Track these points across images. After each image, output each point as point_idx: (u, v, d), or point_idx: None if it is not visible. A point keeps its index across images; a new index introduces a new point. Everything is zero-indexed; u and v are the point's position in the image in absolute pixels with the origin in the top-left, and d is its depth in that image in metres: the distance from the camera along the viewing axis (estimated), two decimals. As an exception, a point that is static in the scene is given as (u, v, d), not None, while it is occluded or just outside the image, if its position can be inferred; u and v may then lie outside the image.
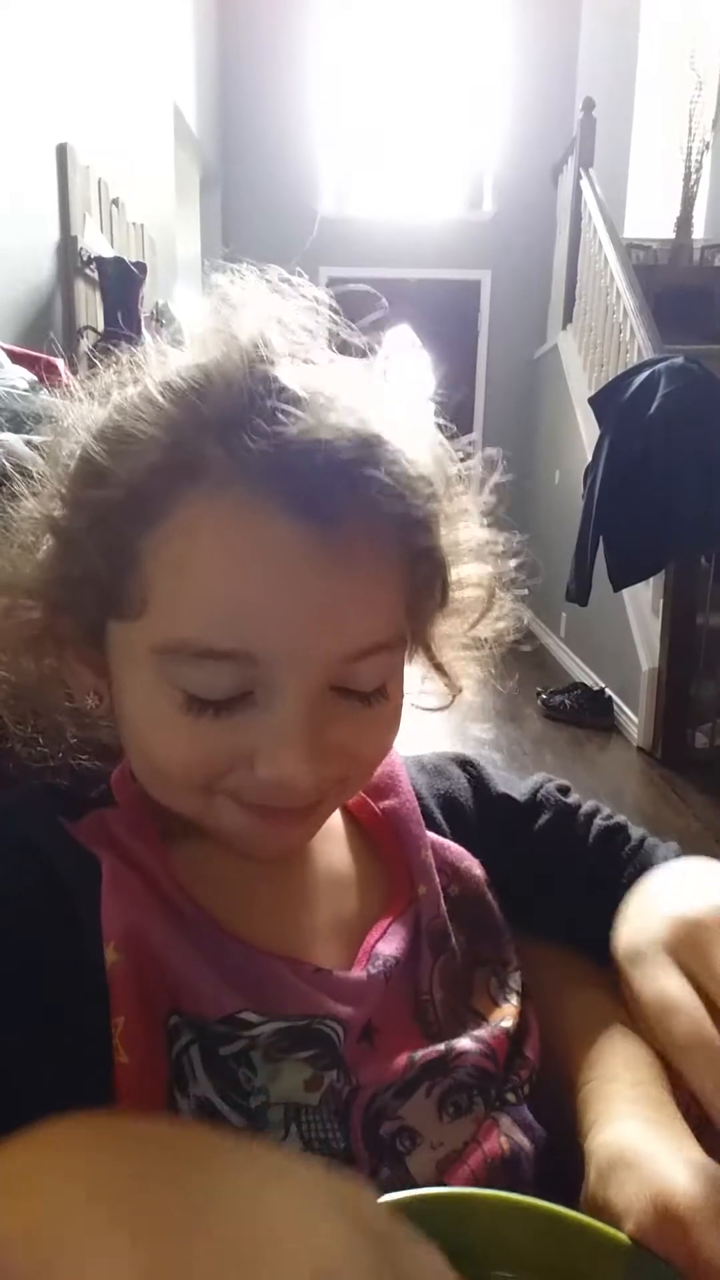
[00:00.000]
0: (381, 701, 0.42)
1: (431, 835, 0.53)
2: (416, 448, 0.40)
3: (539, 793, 0.60)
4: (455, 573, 0.45)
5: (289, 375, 0.37)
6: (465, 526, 0.46)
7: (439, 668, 0.49)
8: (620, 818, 0.60)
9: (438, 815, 0.56)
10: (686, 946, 0.42)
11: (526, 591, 0.52)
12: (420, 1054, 0.44)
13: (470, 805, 0.58)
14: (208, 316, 0.41)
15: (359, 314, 0.43)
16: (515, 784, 0.61)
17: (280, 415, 0.35)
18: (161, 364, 0.40)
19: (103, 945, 0.39)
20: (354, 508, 0.36)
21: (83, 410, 0.42)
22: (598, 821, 0.59)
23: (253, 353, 0.38)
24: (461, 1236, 0.36)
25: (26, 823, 0.43)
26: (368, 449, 0.36)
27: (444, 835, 0.55)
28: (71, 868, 0.41)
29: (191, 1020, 0.40)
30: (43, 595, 0.43)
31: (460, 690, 0.51)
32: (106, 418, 0.39)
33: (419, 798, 0.55)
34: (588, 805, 0.61)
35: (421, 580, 0.42)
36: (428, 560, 0.42)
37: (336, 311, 0.43)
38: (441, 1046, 0.45)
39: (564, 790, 0.61)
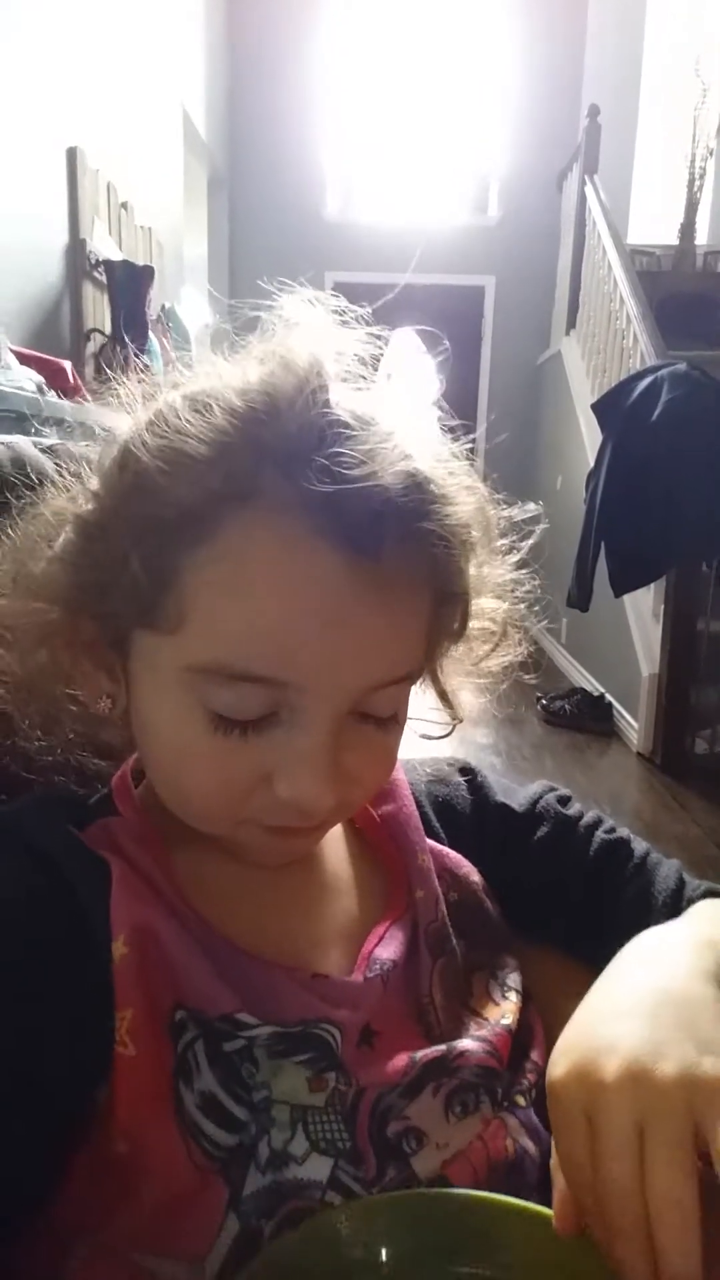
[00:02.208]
0: (393, 727, 0.44)
1: (430, 842, 0.54)
2: (461, 492, 0.41)
3: (538, 803, 0.59)
4: (474, 605, 0.46)
5: (347, 409, 0.38)
6: (493, 568, 0.48)
7: (444, 695, 0.50)
8: (623, 831, 0.59)
9: (435, 822, 0.56)
10: (594, 1106, 0.36)
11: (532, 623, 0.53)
12: (421, 1054, 0.45)
13: (468, 813, 0.58)
14: (265, 334, 0.41)
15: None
16: (515, 793, 0.60)
17: (339, 451, 0.36)
18: (216, 378, 0.40)
19: (110, 941, 0.40)
20: (400, 548, 0.37)
21: (125, 418, 0.42)
22: (599, 835, 0.58)
23: (313, 381, 0.38)
24: (445, 1234, 0.37)
25: (34, 828, 0.43)
26: (419, 493, 0.38)
27: (441, 840, 0.55)
28: (79, 870, 0.42)
29: (195, 1015, 0.40)
30: (63, 595, 0.43)
31: (461, 720, 0.52)
32: (157, 430, 0.39)
33: (418, 804, 0.55)
34: (589, 816, 0.60)
35: (445, 614, 0.44)
36: (455, 599, 0.44)
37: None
38: (443, 1047, 0.46)
39: (564, 800, 0.61)
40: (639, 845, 0.58)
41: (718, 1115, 0.33)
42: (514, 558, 0.49)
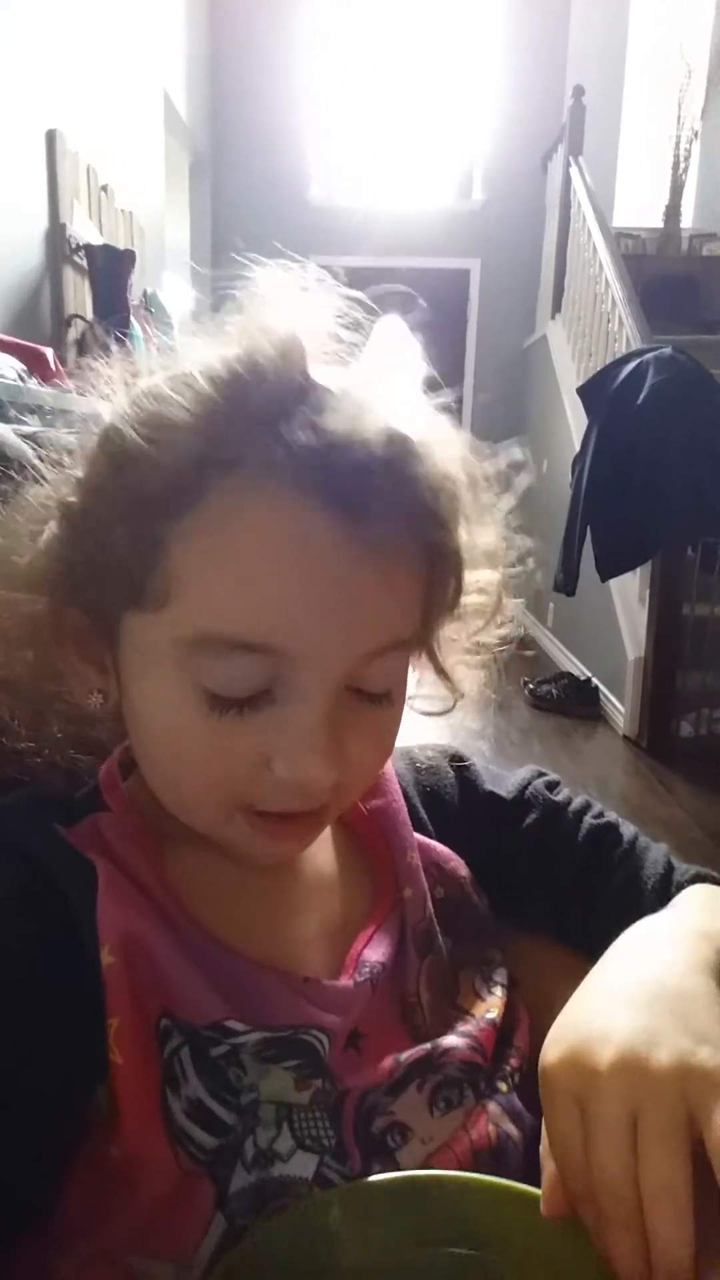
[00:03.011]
0: (388, 705, 0.43)
1: (418, 836, 0.53)
2: (444, 447, 0.41)
3: (527, 790, 0.59)
4: (468, 576, 0.46)
5: (325, 372, 0.38)
6: (483, 529, 0.46)
7: (442, 672, 0.49)
8: (611, 816, 0.59)
9: (422, 812, 0.56)
10: (588, 1093, 0.36)
11: (521, 598, 0.53)
12: (406, 1055, 0.45)
13: (456, 802, 0.58)
14: (241, 308, 0.40)
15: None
16: (503, 780, 0.60)
17: (319, 412, 0.36)
18: (195, 352, 0.39)
19: (99, 948, 0.39)
20: (387, 504, 0.37)
21: (107, 397, 0.41)
22: (588, 820, 0.58)
23: (290, 348, 0.38)
24: (434, 1217, 0.38)
25: (19, 829, 0.43)
26: (401, 447, 0.37)
27: (428, 832, 0.55)
28: (66, 873, 0.41)
29: (181, 1024, 0.40)
30: (50, 586, 0.42)
31: (462, 695, 0.51)
32: (140, 405, 0.38)
33: (405, 795, 0.55)
34: (577, 801, 0.60)
35: (438, 578, 0.43)
36: (446, 559, 0.43)
37: (373, 311, 0.43)
38: (427, 1046, 0.45)
39: (552, 786, 0.60)
40: (627, 830, 0.58)
41: (712, 1104, 0.33)
42: (503, 508, 0.48)
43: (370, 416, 0.37)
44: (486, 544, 0.47)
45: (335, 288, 0.42)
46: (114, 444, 0.39)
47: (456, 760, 0.61)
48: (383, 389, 0.39)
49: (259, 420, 0.36)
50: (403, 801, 0.54)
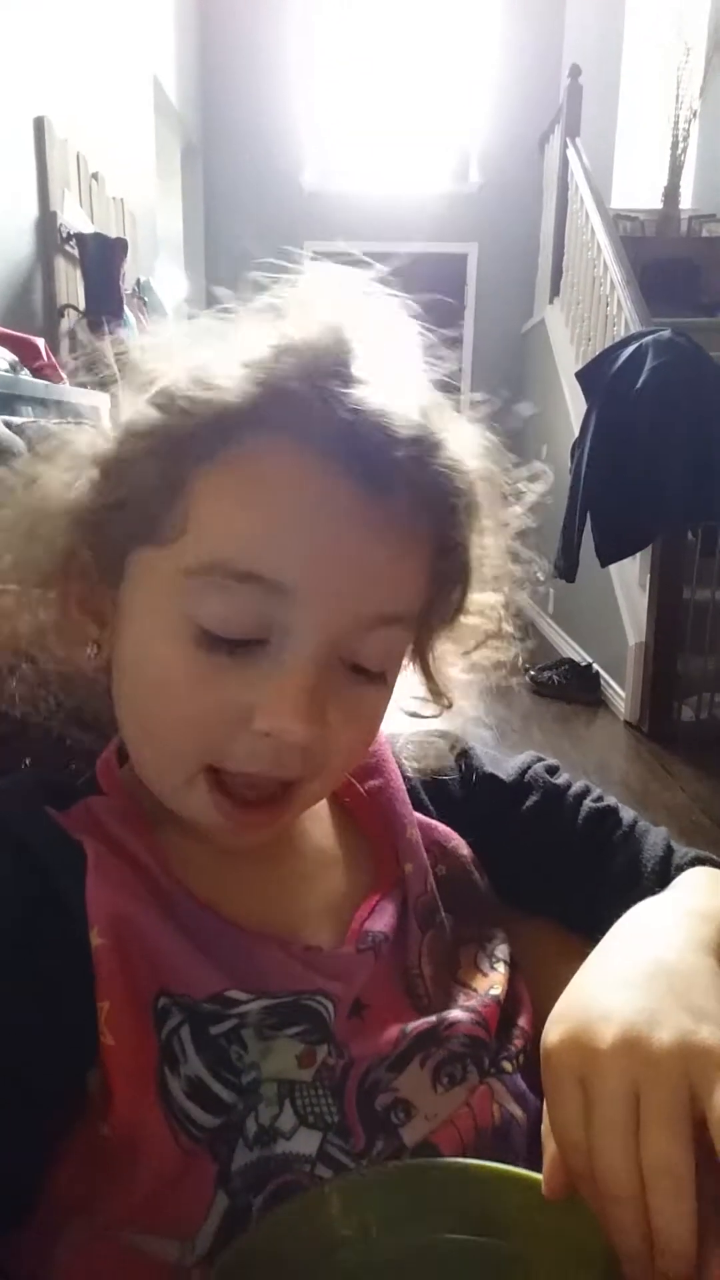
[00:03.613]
0: (380, 685, 0.43)
1: (418, 815, 0.54)
2: (467, 447, 0.43)
3: (527, 773, 0.60)
4: (472, 596, 0.47)
5: (363, 361, 0.39)
6: (496, 546, 0.48)
7: (430, 679, 0.50)
8: (611, 800, 0.60)
9: (423, 795, 0.57)
10: (589, 1072, 0.36)
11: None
12: (412, 1026, 0.45)
13: (456, 785, 0.59)
14: (296, 290, 0.43)
15: (439, 324, 0.46)
16: (503, 763, 0.61)
17: (354, 391, 0.38)
18: (249, 325, 0.42)
19: (89, 930, 0.39)
20: (407, 483, 0.39)
21: (166, 352, 0.43)
22: (587, 803, 0.59)
23: (337, 334, 0.39)
24: (437, 1203, 0.38)
25: (10, 812, 0.43)
26: (427, 433, 0.40)
27: (429, 814, 0.56)
28: (55, 856, 0.41)
29: (180, 1001, 0.40)
30: (70, 528, 0.43)
31: (449, 705, 0.52)
32: (193, 365, 0.40)
33: (405, 777, 0.55)
34: (577, 786, 0.61)
35: (445, 574, 0.44)
36: (454, 555, 0.44)
37: (419, 318, 0.45)
38: (433, 1018, 0.46)
39: (552, 770, 0.61)
40: (627, 813, 0.59)
41: (713, 1082, 0.33)
42: (516, 527, 0.50)
43: (401, 402, 0.39)
44: (495, 565, 0.48)
45: (385, 291, 0.44)
46: (165, 394, 0.40)
47: (455, 745, 0.61)
48: (415, 389, 0.42)
49: (299, 389, 0.38)
50: (401, 782, 0.55)
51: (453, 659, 0.51)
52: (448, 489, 0.41)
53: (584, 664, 3.52)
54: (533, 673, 3.49)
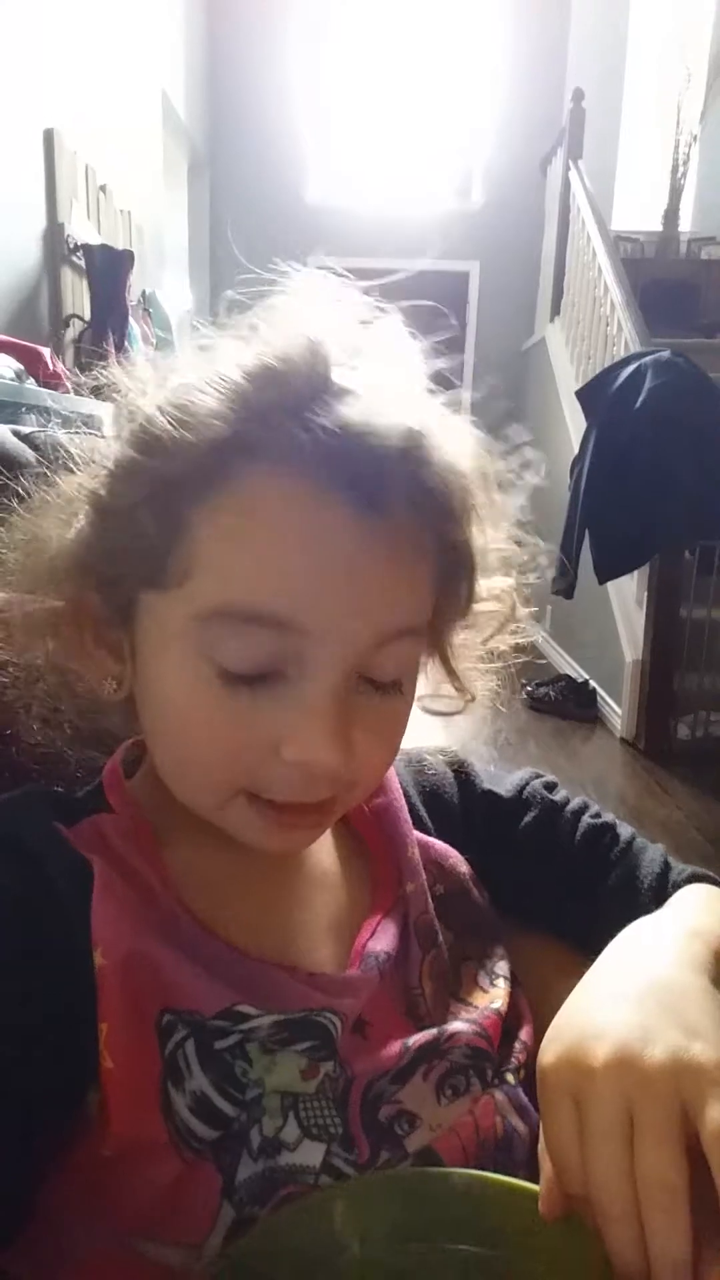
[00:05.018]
0: (397, 696, 0.43)
1: (417, 833, 0.54)
2: (458, 443, 0.42)
3: (525, 789, 0.60)
4: (481, 583, 0.47)
5: (346, 372, 0.39)
6: (496, 534, 0.47)
7: (453, 674, 0.50)
8: (609, 816, 0.60)
9: (422, 811, 0.57)
10: (583, 1090, 0.36)
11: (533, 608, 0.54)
12: (414, 1040, 0.45)
13: (455, 802, 0.59)
14: (273, 310, 0.42)
15: (426, 331, 0.45)
16: (501, 780, 0.61)
17: (340, 406, 0.37)
18: (227, 348, 0.41)
19: (92, 949, 0.39)
20: (402, 493, 0.38)
21: (142, 393, 0.42)
22: (585, 819, 0.59)
23: (317, 348, 0.39)
24: (437, 1213, 0.38)
25: (20, 826, 0.43)
26: (417, 441, 0.39)
27: (428, 831, 0.56)
28: (64, 872, 0.41)
29: (186, 1017, 0.40)
30: (74, 572, 0.43)
31: (473, 698, 0.52)
32: (174, 396, 0.39)
33: (405, 794, 0.55)
34: (575, 802, 0.61)
35: (450, 572, 0.44)
36: (458, 555, 0.44)
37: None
38: (434, 1031, 0.46)
39: (550, 786, 0.61)
40: (624, 830, 0.59)
41: (705, 1099, 0.33)
42: (514, 510, 0.49)
43: (388, 412, 0.38)
44: (500, 549, 0.48)
45: (362, 298, 0.43)
46: (147, 431, 0.39)
47: (454, 761, 0.61)
48: (399, 389, 0.41)
49: (284, 411, 0.37)
50: (403, 800, 0.55)
51: (472, 648, 0.50)
52: (444, 493, 0.40)
53: (581, 681, 3.52)
54: (529, 688, 3.50)
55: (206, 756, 0.41)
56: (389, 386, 0.40)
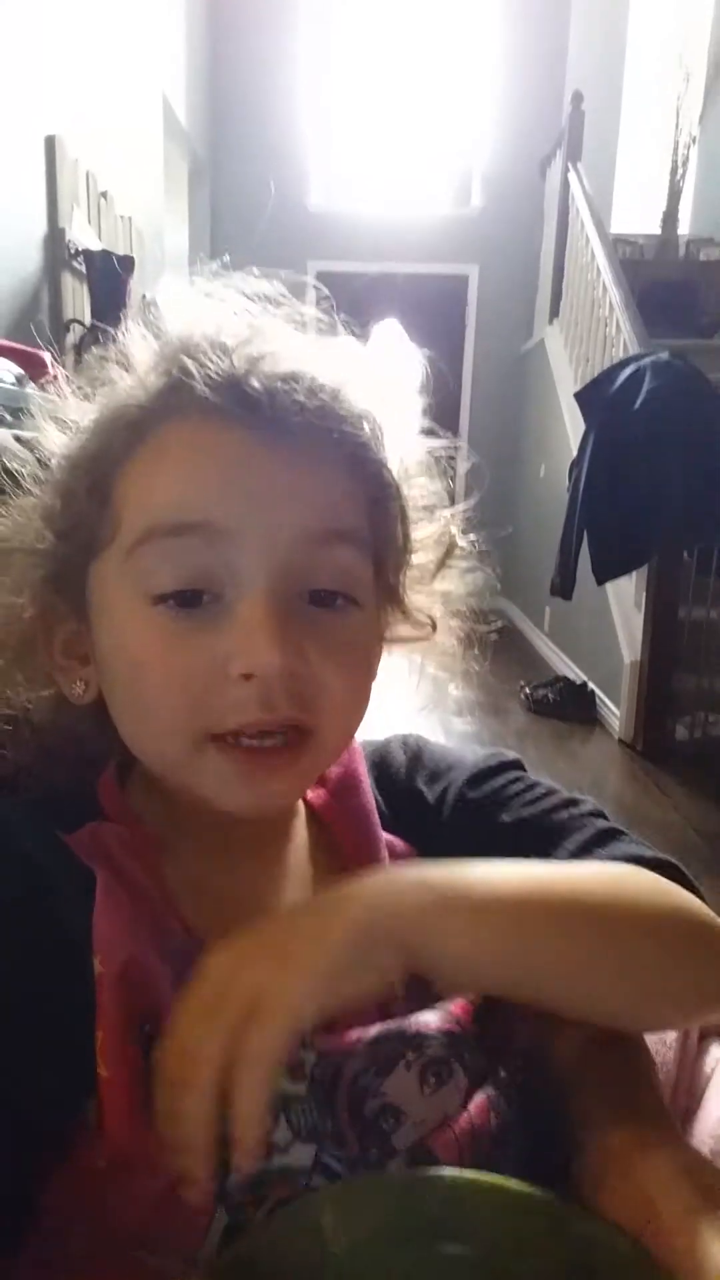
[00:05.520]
0: (347, 614, 0.44)
1: (386, 835, 0.53)
2: (353, 373, 0.45)
3: (447, 793, 0.56)
4: (417, 530, 0.50)
5: (242, 339, 0.44)
6: (420, 474, 0.50)
7: (405, 611, 0.51)
8: (588, 803, 0.55)
9: (384, 809, 0.55)
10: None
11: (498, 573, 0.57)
12: (382, 1028, 0.44)
13: (403, 797, 0.56)
14: (162, 312, 0.47)
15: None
16: (441, 775, 0.57)
17: (227, 359, 0.42)
18: (135, 345, 0.46)
19: (92, 957, 0.39)
20: (295, 411, 0.42)
21: (76, 404, 0.47)
22: (524, 810, 0.54)
23: (203, 328, 0.44)
24: (428, 1214, 0.37)
25: (22, 833, 0.43)
26: (305, 370, 0.43)
27: (386, 823, 0.54)
28: (66, 880, 0.41)
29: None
30: (42, 579, 0.46)
31: (433, 630, 0.53)
32: (100, 398, 0.46)
33: (373, 795, 0.55)
34: (515, 787, 0.55)
35: (377, 496, 0.46)
36: (379, 477, 0.46)
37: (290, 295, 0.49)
38: (405, 1020, 0.45)
39: (485, 775, 0.56)
40: (586, 803, 0.55)
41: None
42: (435, 449, 0.52)
43: (270, 355, 0.43)
44: (424, 492, 0.51)
45: (235, 293, 0.48)
46: (83, 429, 0.45)
47: (410, 748, 0.59)
48: (291, 344, 0.45)
49: (184, 372, 0.42)
50: (373, 804, 0.54)
51: (423, 582, 0.52)
52: (344, 412, 0.43)
53: (579, 682, 3.53)
54: (528, 690, 3.51)
55: (162, 695, 0.42)
56: (281, 341, 0.44)
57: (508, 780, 0.56)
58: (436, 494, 0.52)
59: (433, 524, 0.52)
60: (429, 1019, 0.46)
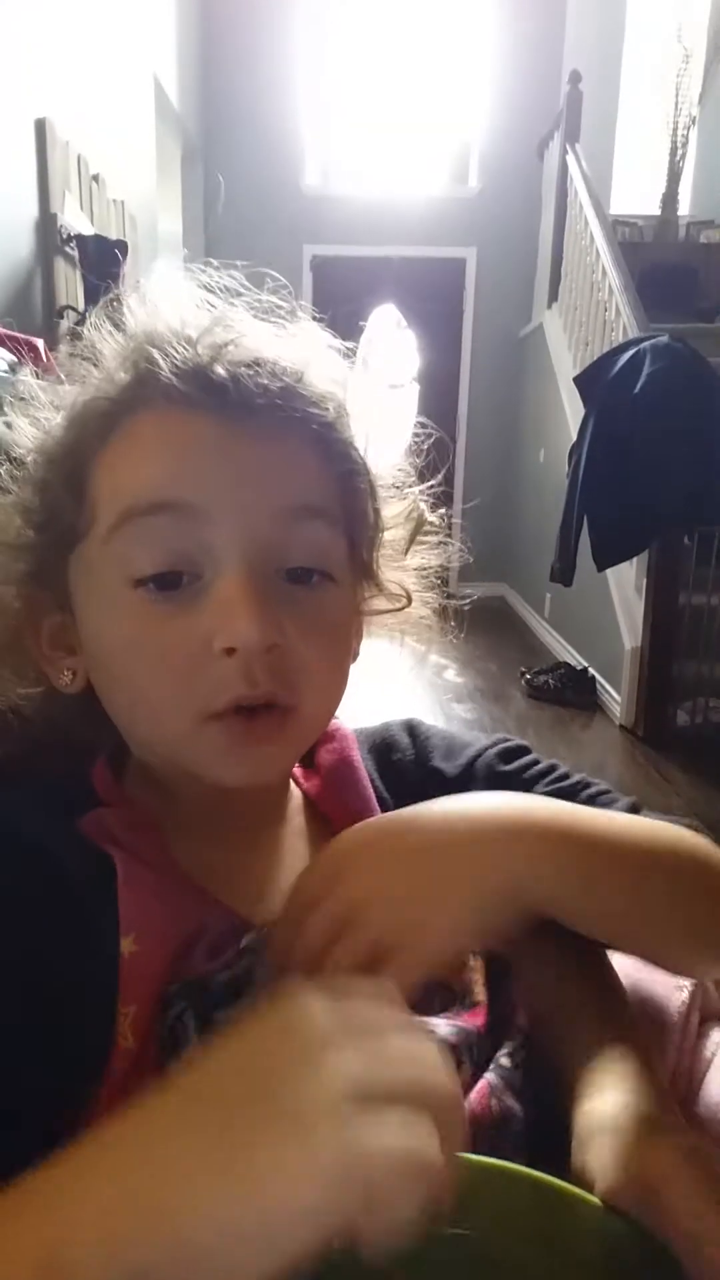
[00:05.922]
0: (323, 590, 0.45)
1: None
2: (315, 356, 0.47)
3: (476, 763, 0.58)
4: (387, 507, 0.51)
5: (201, 316, 0.46)
6: (386, 453, 0.52)
7: (379, 584, 0.53)
8: (579, 776, 0.58)
9: (385, 794, 0.56)
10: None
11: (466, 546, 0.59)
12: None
13: (412, 777, 0.57)
14: (130, 308, 0.48)
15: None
16: (456, 752, 0.59)
17: (192, 349, 0.44)
18: (104, 344, 0.48)
19: (119, 938, 0.40)
20: (259, 394, 0.43)
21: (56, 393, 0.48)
22: (543, 785, 0.57)
23: (166, 320, 0.46)
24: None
25: (32, 822, 0.44)
26: (267, 356, 0.44)
27: (388, 807, 0.55)
28: (82, 865, 0.42)
29: (188, 985, 0.41)
30: (24, 573, 0.47)
31: (408, 602, 0.55)
32: (76, 395, 0.46)
33: (371, 779, 0.55)
34: (539, 767, 0.59)
35: (345, 472, 0.47)
36: (347, 455, 0.47)
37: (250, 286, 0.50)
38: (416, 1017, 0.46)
39: (511, 754, 0.59)
40: (597, 784, 0.59)
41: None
42: (401, 431, 0.55)
43: (233, 342, 0.44)
44: (392, 471, 0.53)
45: (193, 284, 0.50)
46: (53, 431, 0.47)
47: (413, 731, 0.60)
48: (256, 332, 0.46)
49: (152, 365, 0.43)
50: (371, 791, 0.55)
51: (394, 558, 0.54)
52: (307, 393, 0.45)
53: (580, 668, 3.53)
54: (529, 676, 3.51)
55: (151, 678, 0.42)
56: (243, 329, 0.46)
57: (531, 760, 0.59)
58: (404, 471, 0.54)
59: (402, 501, 0.54)
60: (438, 1022, 0.47)
